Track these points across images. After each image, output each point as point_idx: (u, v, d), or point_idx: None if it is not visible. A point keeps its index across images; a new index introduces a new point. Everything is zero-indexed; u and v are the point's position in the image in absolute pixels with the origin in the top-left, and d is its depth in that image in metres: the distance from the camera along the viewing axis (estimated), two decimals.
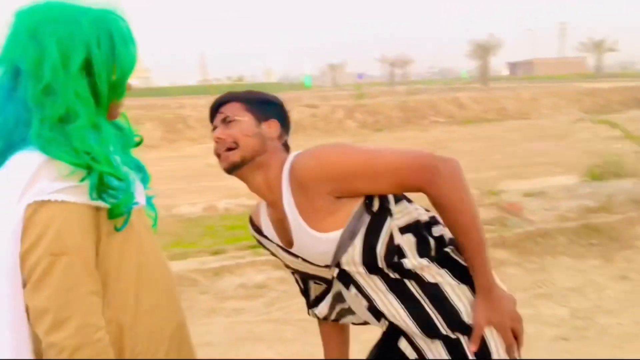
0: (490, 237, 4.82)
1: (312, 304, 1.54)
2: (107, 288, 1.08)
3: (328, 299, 1.50)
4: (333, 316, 1.54)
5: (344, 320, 1.56)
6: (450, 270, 1.30)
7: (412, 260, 1.29)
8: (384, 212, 1.30)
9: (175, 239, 5.30)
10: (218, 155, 1.33)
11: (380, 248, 1.28)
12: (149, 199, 1.30)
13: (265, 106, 1.39)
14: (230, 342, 3.23)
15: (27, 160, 0.99)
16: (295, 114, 17.51)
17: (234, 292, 3.95)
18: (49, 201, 0.97)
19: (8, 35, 1.04)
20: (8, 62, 1.04)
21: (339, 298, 1.47)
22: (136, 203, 1.11)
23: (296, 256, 1.40)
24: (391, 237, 1.29)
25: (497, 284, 1.31)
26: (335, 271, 1.35)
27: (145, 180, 1.28)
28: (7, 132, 1.02)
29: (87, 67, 1.05)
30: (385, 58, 70.31)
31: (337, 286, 1.42)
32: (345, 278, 1.35)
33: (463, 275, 1.30)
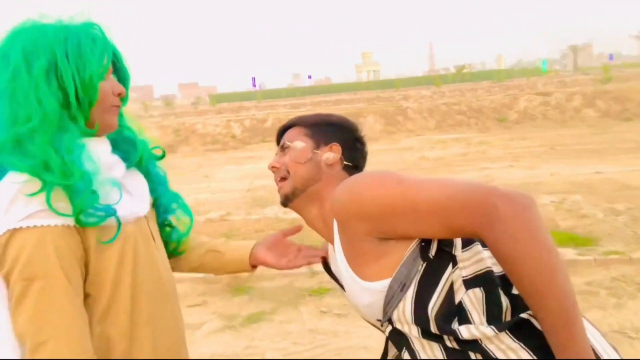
0: None
1: None
2: (99, 303, 1.05)
3: None
4: None
5: None
6: (528, 345, 0.95)
7: (472, 329, 0.97)
8: (444, 259, 1.02)
9: None
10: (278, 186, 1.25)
11: (433, 307, 0.99)
12: (182, 205, 1.32)
13: (327, 129, 1.24)
14: None
15: (6, 184, 0.99)
16: (522, 102, 16.23)
17: None
18: (20, 228, 0.96)
19: None
20: None
21: None
22: (111, 213, 1.03)
23: None
24: (450, 293, 1.00)
25: None
26: (388, 329, 1.09)
27: (165, 190, 1.28)
28: None
29: (55, 71, 1.03)
30: None
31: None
32: (399, 339, 1.07)
33: (548, 352, 0.92)
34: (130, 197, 1.14)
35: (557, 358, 0.90)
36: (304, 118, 1.28)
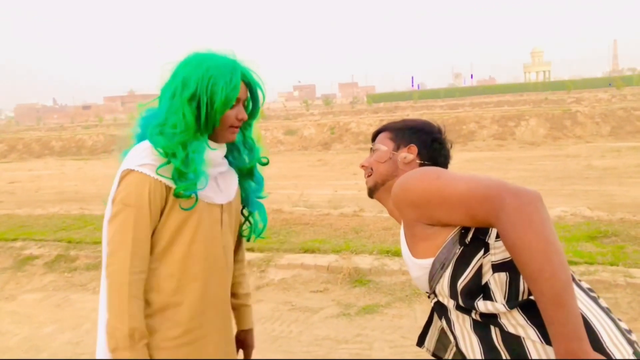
0: None
1: (418, 340, 1.46)
2: (158, 246, 1.41)
3: (433, 331, 1.42)
4: (450, 355, 1.43)
5: None
6: (534, 323, 1.09)
7: (488, 305, 1.13)
8: (477, 245, 1.18)
9: None
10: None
11: (460, 283, 1.17)
12: (259, 207, 1.69)
13: (408, 132, 1.45)
14: None
15: (140, 145, 1.45)
16: None
17: None
18: (133, 170, 1.40)
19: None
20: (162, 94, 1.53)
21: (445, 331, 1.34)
22: (190, 193, 1.40)
23: None
24: (478, 273, 1.16)
25: (590, 351, 0.98)
26: (434, 300, 1.29)
27: (259, 189, 1.68)
28: (146, 129, 1.49)
29: (196, 98, 1.44)
30: None
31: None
32: (440, 309, 1.28)
33: None
34: (217, 189, 1.52)
35: (549, 335, 1.01)
36: (391, 124, 1.52)
